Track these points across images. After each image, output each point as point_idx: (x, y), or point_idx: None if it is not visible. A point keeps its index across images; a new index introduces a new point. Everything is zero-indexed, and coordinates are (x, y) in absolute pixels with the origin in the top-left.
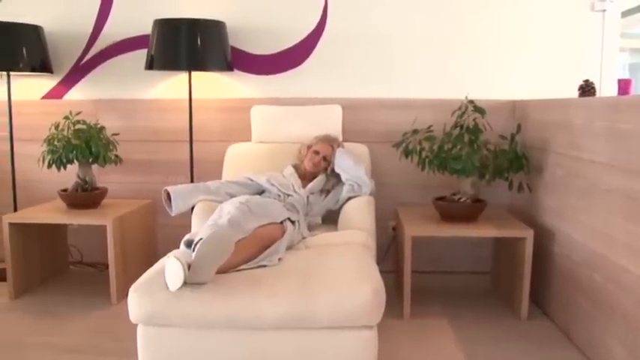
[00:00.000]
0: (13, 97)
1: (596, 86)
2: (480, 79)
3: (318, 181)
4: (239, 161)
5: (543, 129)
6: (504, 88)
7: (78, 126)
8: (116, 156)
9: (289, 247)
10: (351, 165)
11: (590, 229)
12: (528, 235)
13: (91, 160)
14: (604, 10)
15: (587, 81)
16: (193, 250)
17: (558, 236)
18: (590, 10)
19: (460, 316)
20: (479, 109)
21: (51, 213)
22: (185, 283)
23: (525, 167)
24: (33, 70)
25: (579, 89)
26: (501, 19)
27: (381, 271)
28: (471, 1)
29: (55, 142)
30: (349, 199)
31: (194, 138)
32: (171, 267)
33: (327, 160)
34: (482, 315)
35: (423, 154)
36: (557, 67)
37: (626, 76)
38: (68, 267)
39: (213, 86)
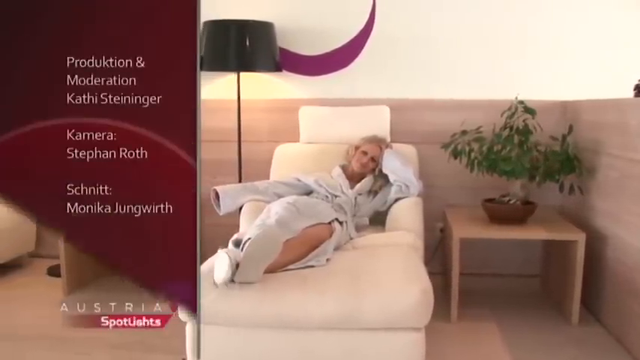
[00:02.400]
0: None
1: None
2: (530, 79)
3: (366, 182)
4: (287, 161)
5: (596, 130)
6: (555, 88)
7: None
8: None
9: (337, 248)
10: (399, 166)
11: None
12: (580, 238)
13: None
14: None
15: None
16: (242, 250)
17: (612, 240)
18: None
19: (509, 320)
20: (529, 110)
21: None
22: (233, 282)
23: (577, 169)
24: None
25: (635, 89)
26: (552, 17)
27: (429, 273)
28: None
29: None
30: (397, 200)
31: (242, 138)
32: (219, 261)
33: (375, 161)
34: (531, 319)
35: (472, 155)
36: (611, 66)
37: None
38: None
39: (262, 87)
